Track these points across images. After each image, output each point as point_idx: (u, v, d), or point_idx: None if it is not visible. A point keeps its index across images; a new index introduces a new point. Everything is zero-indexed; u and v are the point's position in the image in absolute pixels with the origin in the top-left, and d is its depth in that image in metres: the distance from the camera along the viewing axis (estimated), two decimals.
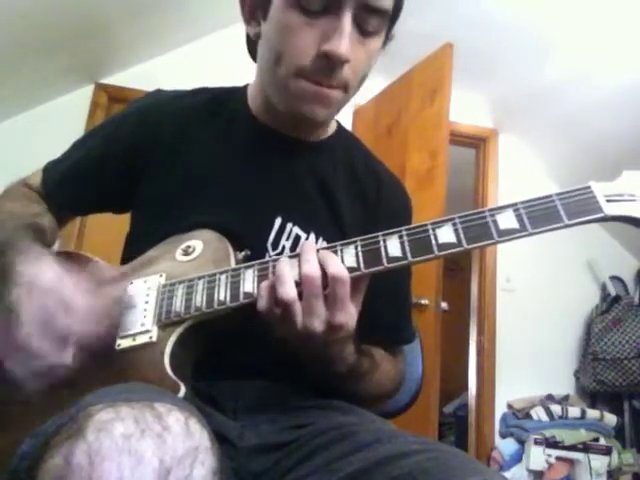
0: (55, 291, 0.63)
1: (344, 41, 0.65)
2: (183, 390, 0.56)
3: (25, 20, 2.23)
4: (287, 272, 0.58)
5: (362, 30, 0.68)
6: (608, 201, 0.55)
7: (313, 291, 0.57)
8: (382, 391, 0.79)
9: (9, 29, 2.24)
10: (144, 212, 0.80)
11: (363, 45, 0.69)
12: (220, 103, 0.83)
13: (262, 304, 0.59)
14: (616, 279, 3.17)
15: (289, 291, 0.57)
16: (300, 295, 0.58)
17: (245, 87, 0.86)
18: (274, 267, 0.61)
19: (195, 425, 0.43)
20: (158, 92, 0.87)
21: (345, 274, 0.58)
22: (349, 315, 0.59)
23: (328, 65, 0.66)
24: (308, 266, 0.58)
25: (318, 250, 0.60)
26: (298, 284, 0.58)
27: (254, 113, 0.81)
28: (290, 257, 0.61)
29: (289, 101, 0.72)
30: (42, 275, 0.63)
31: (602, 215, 0.55)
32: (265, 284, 0.60)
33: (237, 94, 0.84)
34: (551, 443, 2.60)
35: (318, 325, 0.58)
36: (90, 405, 0.43)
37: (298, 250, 0.61)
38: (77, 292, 0.65)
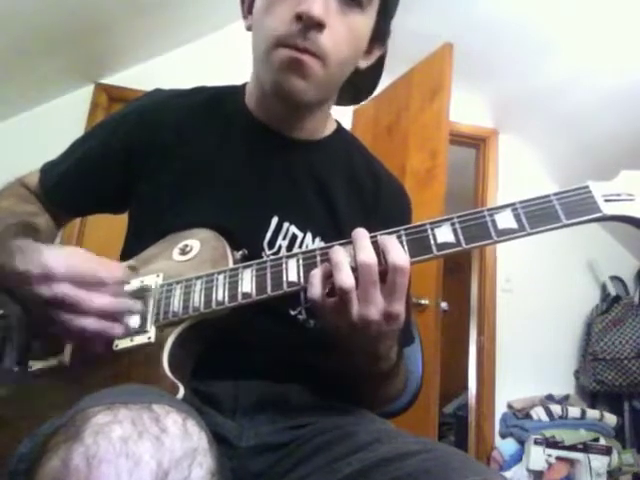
0: (74, 263, 0.60)
1: (316, 2, 0.65)
2: (182, 391, 0.56)
3: (25, 20, 2.23)
4: (343, 259, 0.57)
5: (344, 0, 0.69)
6: (606, 201, 0.55)
7: (370, 278, 0.56)
8: (396, 392, 0.79)
9: (9, 30, 2.24)
10: (142, 211, 0.80)
11: (344, 16, 0.69)
12: (218, 102, 0.83)
13: (315, 293, 0.57)
14: (616, 279, 3.17)
15: (347, 278, 0.55)
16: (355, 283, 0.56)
17: (243, 86, 0.86)
18: (324, 255, 0.60)
19: (193, 427, 0.43)
20: (156, 92, 0.86)
21: (407, 263, 0.56)
22: (403, 305, 0.58)
23: (303, 27, 0.66)
24: (365, 253, 0.56)
25: (373, 236, 0.59)
26: (353, 270, 0.56)
27: (252, 111, 0.81)
28: (341, 244, 0.59)
29: (270, 75, 0.71)
30: (52, 261, 0.59)
31: (600, 215, 0.55)
32: (317, 272, 0.58)
33: (235, 93, 0.84)
34: (551, 443, 2.60)
35: (374, 313, 0.56)
36: (88, 407, 0.43)
37: (352, 237, 0.59)
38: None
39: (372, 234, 0.59)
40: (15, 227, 0.71)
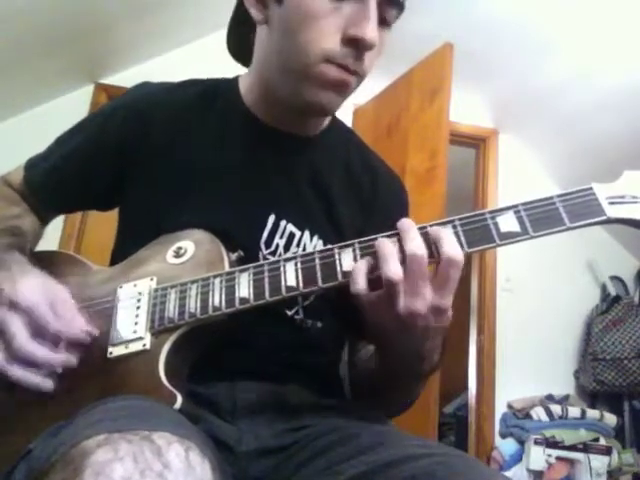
0: (40, 303, 0.60)
1: (372, 26, 0.64)
2: (180, 401, 0.55)
3: (25, 20, 2.23)
4: (391, 250, 0.55)
5: (380, 20, 0.67)
6: (611, 203, 0.54)
7: (420, 270, 0.54)
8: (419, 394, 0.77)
9: (9, 29, 2.24)
10: (133, 210, 0.78)
11: (379, 35, 0.68)
12: (212, 96, 0.80)
13: (359, 286, 0.56)
14: (616, 279, 3.16)
15: (396, 269, 0.54)
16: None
17: (236, 79, 0.83)
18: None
19: (196, 458, 0.42)
20: (145, 85, 0.83)
21: (462, 257, 0.54)
22: (451, 300, 0.56)
23: (356, 50, 0.65)
24: (414, 244, 0.54)
25: (422, 227, 0.57)
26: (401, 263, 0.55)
27: (248, 106, 0.79)
28: (386, 236, 0.58)
29: (306, 88, 0.68)
30: (24, 291, 0.60)
31: (605, 218, 0.54)
32: (361, 266, 0.56)
33: (229, 86, 0.82)
34: (551, 443, 2.60)
35: (422, 307, 0.54)
36: (85, 438, 0.41)
37: (398, 228, 0.57)
38: (64, 297, 0.63)
39: (421, 225, 0.57)
40: (4, 234, 0.70)
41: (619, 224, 0.55)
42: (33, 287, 0.60)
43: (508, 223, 0.55)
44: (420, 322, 0.56)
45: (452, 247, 0.55)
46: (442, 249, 0.55)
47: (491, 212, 0.57)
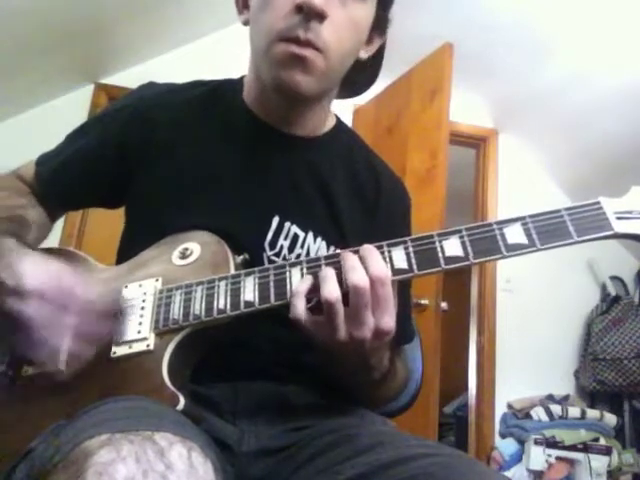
0: (45, 284, 0.59)
1: None
2: (182, 403, 0.55)
3: (25, 20, 2.23)
4: (331, 274, 0.56)
5: None
6: (618, 218, 0.54)
7: (363, 300, 0.55)
8: (397, 392, 0.79)
9: (9, 29, 2.24)
10: (138, 210, 0.78)
11: (345, 7, 0.68)
12: (216, 97, 0.81)
13: (298, 312, 0.57)
14: (616, 279, 3.17)
15: (333, 290, 0.55)
16: (345, 302, 0.55)
17: (241, 79, 0.84)
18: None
19: (198, 458, 0.42)
20: (150, 85, 0.84)
21: (386, 273, 0.55)
22: (393, 318, 0.57)
23: (303, 18, 0.65)
24: (357, 274, 0.55)
25: (357, 251, 0.58)
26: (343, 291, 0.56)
27: (250, 107, 0.79)
28: (326, 258, 0.59)
29: (271, 70, 0.70)
30: (27, 277, 0.58)
31: (612, 232, 0.54)
32: (303, 287, 0.57)
33: (232, 87, 0.82)
34: (551, 443, 2.60)
35: (367, 333, 0.55)
36: (87, 438, 0.41)
37: (338, 254, 0.58)
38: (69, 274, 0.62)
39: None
40: (4, 221, 0.70)
41: (626, 239, 0.55)
42: (35, 270, 0.59)
43: (515, 235, 0.55)
44: (366, 346, 0.57)
45: (377, 267, 0.55)
46: (369, 270, 0.55)
47: (498, 223, 0.57)
